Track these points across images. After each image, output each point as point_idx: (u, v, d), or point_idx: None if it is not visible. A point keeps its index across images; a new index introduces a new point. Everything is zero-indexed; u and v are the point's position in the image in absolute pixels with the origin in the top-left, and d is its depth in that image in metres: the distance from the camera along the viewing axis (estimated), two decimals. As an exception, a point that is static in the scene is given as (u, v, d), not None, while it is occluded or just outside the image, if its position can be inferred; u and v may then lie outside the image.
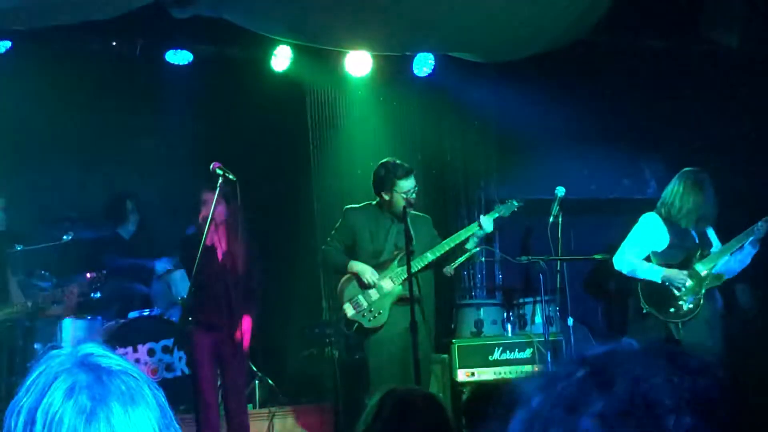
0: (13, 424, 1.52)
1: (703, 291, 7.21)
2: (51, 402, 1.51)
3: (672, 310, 7.24)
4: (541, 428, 1.23)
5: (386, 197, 7.03)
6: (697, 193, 7.29)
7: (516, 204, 7.34)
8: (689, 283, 7.20)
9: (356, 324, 6.92)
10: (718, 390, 1.20)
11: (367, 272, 6.94)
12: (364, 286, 6.95)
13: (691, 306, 7.20)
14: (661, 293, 7.28)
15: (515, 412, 1.28)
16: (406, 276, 6.75)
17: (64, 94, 9.27)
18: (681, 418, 1.15)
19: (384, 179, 7.04)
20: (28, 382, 1.56)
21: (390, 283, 6.91)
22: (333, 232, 7.24)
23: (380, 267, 7.00)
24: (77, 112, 9.60)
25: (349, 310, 6.93)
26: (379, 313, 6.90)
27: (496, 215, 7.25)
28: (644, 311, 7.35)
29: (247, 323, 6.79)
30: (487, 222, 7.07)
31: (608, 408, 1.18)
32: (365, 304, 6.93)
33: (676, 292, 7.23)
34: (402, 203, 6.93)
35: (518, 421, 1.26)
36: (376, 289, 6.95)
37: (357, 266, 6.98)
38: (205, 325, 6.70)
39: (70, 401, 1.50)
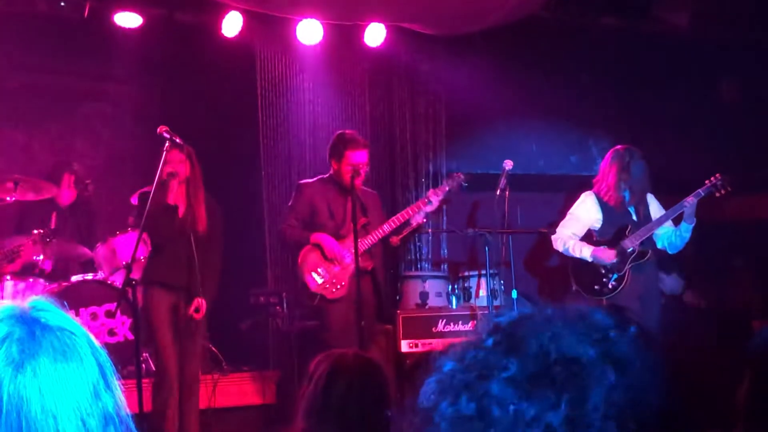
0: None
1: (627, 267, 7.23)
2: None
3: (597, 287, 7.27)
4: (453, 394, 1.22)
5: (335, 167, 7.06)
6: (622, 170, 7.29)
7: (462, 180, 7.43)
8: (615, 260, 7.23)
9: (319, 296, 6.95)
10: (631, 345, 1.20)
11: (330, 244, 6.97)
12: (327, 258, 6.98)
13: (614, 283, 7.23)
14: (589, 271, 7.32)
15: (428, 378, 1.27)
16: (365, 248, 6.88)
17: (9, 55, 9.13)
18: (604, 370, 1.15)
19: (334, 148, 7.08)
20: None
21: (350, 255, 6.90)
22: (289, 209, 7.23)
23: (340, 240, 7.03)
24: (23, 73, 9.47)
25: (313, 282, 6.95)
26: (342, 284, 6.95)
27: (447, 189, 7.34)
28: (573, 289, 7.42)
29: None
30: (435, 197, 7.17)
31: (520, 371, 1.18)
32: (328, 276, 6.97)
33: (602, 270, 7.28)
34: (348, 176, 6.93)
35: (431, 384, 1.26)
36: (338, 261, 6.98)
37: (320, 238, 7.00)
38: (165, 287, 6.60)
39: (0, 350, 1.52)
